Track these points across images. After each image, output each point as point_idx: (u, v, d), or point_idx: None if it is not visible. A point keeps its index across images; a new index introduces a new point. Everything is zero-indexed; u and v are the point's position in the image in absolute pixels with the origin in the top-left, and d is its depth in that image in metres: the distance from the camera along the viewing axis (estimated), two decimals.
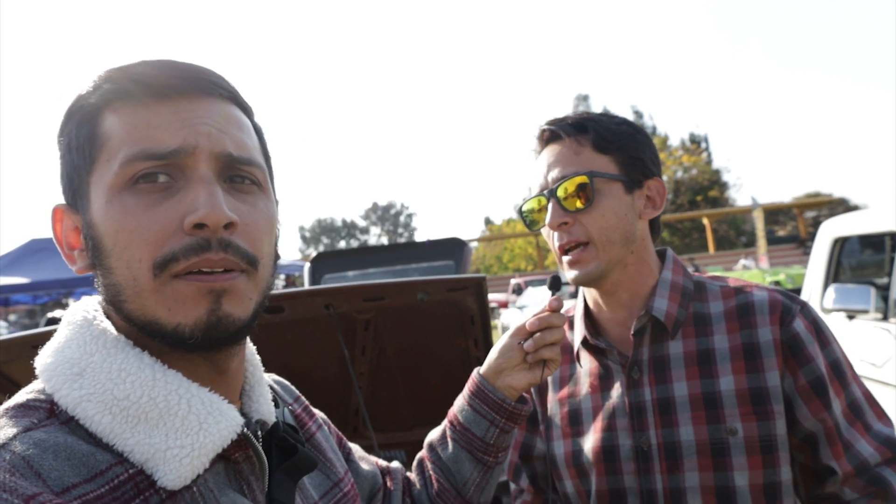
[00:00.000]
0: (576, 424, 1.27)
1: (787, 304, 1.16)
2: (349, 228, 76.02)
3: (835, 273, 4.28)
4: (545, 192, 1.20)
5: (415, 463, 1.19)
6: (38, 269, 10.12)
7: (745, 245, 37.23)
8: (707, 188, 42.59)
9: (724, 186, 44.04)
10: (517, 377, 1.09)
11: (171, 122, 0.68)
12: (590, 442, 1.23)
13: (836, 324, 4.00)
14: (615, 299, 1.24)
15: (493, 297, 24.93)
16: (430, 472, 1.13)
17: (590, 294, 1.30)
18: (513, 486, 1.42)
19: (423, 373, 2.49)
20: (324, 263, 5.14)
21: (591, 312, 1.31)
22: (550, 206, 1.19)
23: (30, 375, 0.70)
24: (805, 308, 1.16)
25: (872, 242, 6.39)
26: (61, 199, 0.74)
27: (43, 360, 0.69)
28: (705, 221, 35.40)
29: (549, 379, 1.35)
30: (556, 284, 1.15)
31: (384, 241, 73.69)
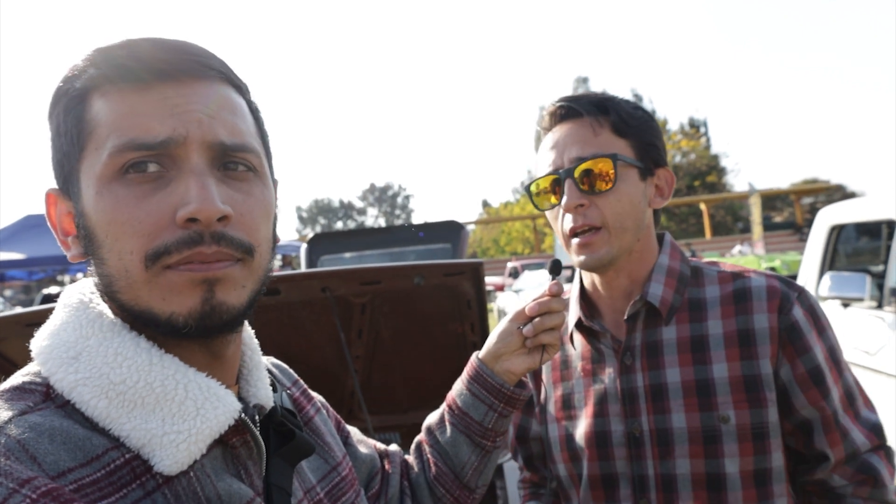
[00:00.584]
0: (568, 408, 1.27)
1: (786, 290, 1.14)
2: (346, 209, 75.84)
3: (831, 260, 4.28)
4: (560, 171, 1.16)
5: (413, 446, 1.19)
6: (34, 244, 10.11)
7: (742, 231, 37.31)
8: (705, 173, 42.54)
9: (722, 172, 43.98)
10: (516, 362, 1.09)
11: (160, 110, 0.66)
12: (582, 427, 1.24)
13: (831, 311, 4.02)
14: (615, 283, 1.23)
15: (490, 281, 24.97)
16: (429, 456, 1.14)
17: (588, 276, 1.29)
18: (515, 463, 1.45)
19: (418, 356, 2.50)
20: (320, 244, 5.14)
21: (587, 294, 1.30)
22: (567, 186, 1.14)
23: (24, 354, 0.70)
24: (802, 294, 1.15)
25: (869, 230, 6.40)
26: (54, 182, 0.73)
27: (39, 342, 0.69)
28: (702, 207, 35.42)
29: None
30: (556, 268, 1.12)
31: (381, 222, 73.65)
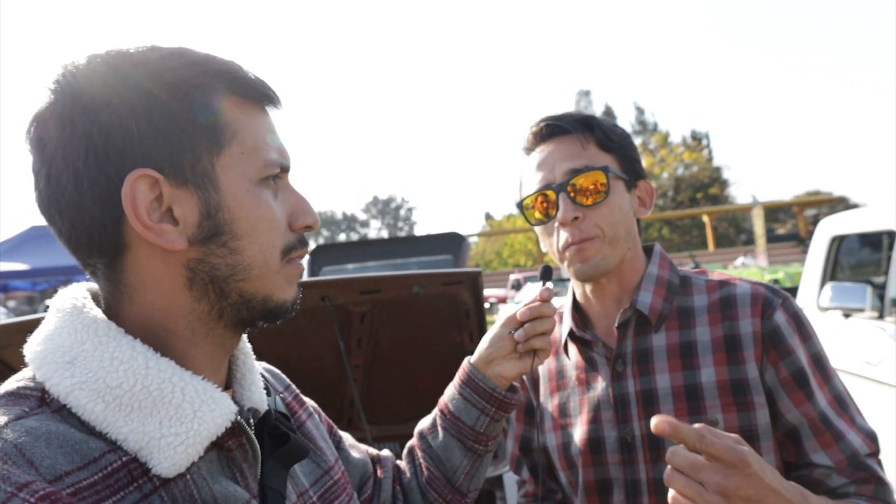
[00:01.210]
0: (565, 417, 1.29)
1: (769, 296, 1.16)
2: (349, 221, 75.94)
3: (832, 271, 4.27)
4: (553, 185, 1.18)
5: (405, 451, 1.20)
6: (38, 255, 10.11)
7: (745, 243, 37.28)
8: (708, 185, 42.59)
9: (724, 184, 44.03)
10: (507, 366, 1.10)
11: (278, 137, 0.80)
12: (578, 434, 1.25)
13: (832, 322, 4.01)
14: (606, 293, 1.25)
15: (493, 293, 24.96)
16: (421, 461, 1.15)
17: (580, 287, 1.31)
18: (517, 476, 1.45)
19: (417, 366, 2.49)
20: (323, 256, 5.14)
21: (579, 305, 1.32)
22: (561, 200, 1.16)
23: (23, 361, 0.70)
24: (787, 301, 1.16)
25: (870, 241, 6.39)
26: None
27: (32, 347, 0.69)
28: (705, 219, 35.42)
29: (541, 372, 1.36)
30: (546, 274, 1.14)
31: (384, 234, 73.66)
